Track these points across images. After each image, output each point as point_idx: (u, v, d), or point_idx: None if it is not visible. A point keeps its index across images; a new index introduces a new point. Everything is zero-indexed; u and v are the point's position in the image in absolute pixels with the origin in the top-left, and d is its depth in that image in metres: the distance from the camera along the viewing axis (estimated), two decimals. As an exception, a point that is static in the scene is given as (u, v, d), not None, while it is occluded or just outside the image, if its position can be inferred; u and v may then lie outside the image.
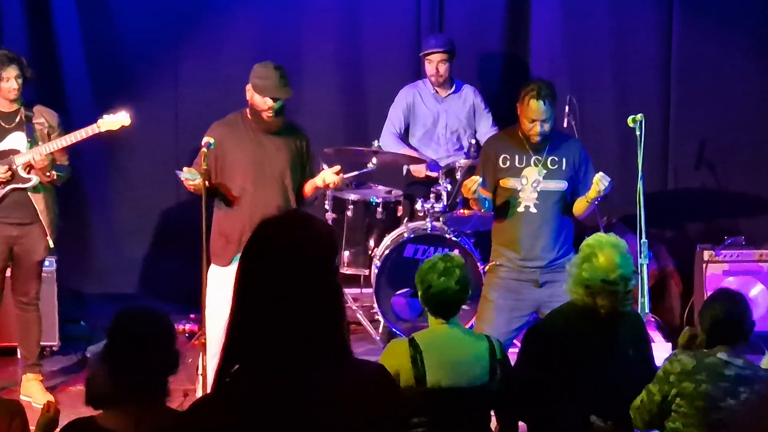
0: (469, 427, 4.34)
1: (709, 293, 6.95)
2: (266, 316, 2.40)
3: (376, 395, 2.45)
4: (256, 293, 2.43)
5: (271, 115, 5.72)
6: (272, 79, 5.67)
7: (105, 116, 6.10)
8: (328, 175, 5.84)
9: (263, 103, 5.69)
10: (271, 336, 2.40)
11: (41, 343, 6.51)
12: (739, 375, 3.97)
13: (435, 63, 7.40)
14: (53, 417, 3.75)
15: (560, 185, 5.67)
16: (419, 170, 7.44)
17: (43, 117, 6.13)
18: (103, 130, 6.06)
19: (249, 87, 5.73)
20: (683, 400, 4.02)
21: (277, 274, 2.41)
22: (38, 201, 6.11)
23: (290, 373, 2.39)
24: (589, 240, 4.46)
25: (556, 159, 5.67)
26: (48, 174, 6.04)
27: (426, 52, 7.43)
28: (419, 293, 4.41)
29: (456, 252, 6.75)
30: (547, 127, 5.57)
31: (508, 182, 5.70)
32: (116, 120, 6.09)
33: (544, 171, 5.66)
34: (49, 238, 6.15)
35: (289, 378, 2.39)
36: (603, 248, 4.37)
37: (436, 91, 7.53)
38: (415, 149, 7.52)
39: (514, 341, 5.70)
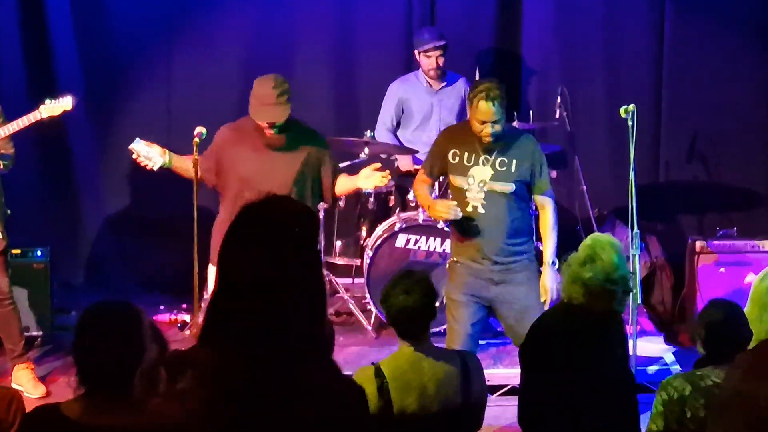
0: None
1: (701, 285, 7.01)
2: (246, 297, 2.43)
3: (343, 407, 2.49)
4: (236, 274, 2.46)
5: (272, 132, 5.63)
6: (266, 98, 5.53)
7: (47, 101, 6.02)
8: (377, 179, 5.78)
9: (261, 122, 5.59)
10: (249, 317, 2.42)
11: (33, 333, 6.46)
12: None
13: (434, 58, 7.38)
14: None
15: (507, 187, 5.53)
16: (407, 164, 7.44)
17: None
18: (45, 116, 5.99)
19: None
20: (682, 427, 3.95)
21: (256, 254, 2.44)
22: None
23: (265, 357, 2.40)
24: (588, 241, 4.43)
25: (506, 161, 5.53)
26: None
27: (425, 48, 7.39)
28: (386, 316, 4.26)
29: (443, 249, 6.80)
30: (498, 127, 5.42)
31: (456, 180, 5.60)
32: (58, 105, 6.03)
33: (492, 172, 5.53)
34: None
35: (263, 362, 2.40)
36: (604, 248, 4.34)
37: (429, 84, 7.52)
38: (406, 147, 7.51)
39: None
